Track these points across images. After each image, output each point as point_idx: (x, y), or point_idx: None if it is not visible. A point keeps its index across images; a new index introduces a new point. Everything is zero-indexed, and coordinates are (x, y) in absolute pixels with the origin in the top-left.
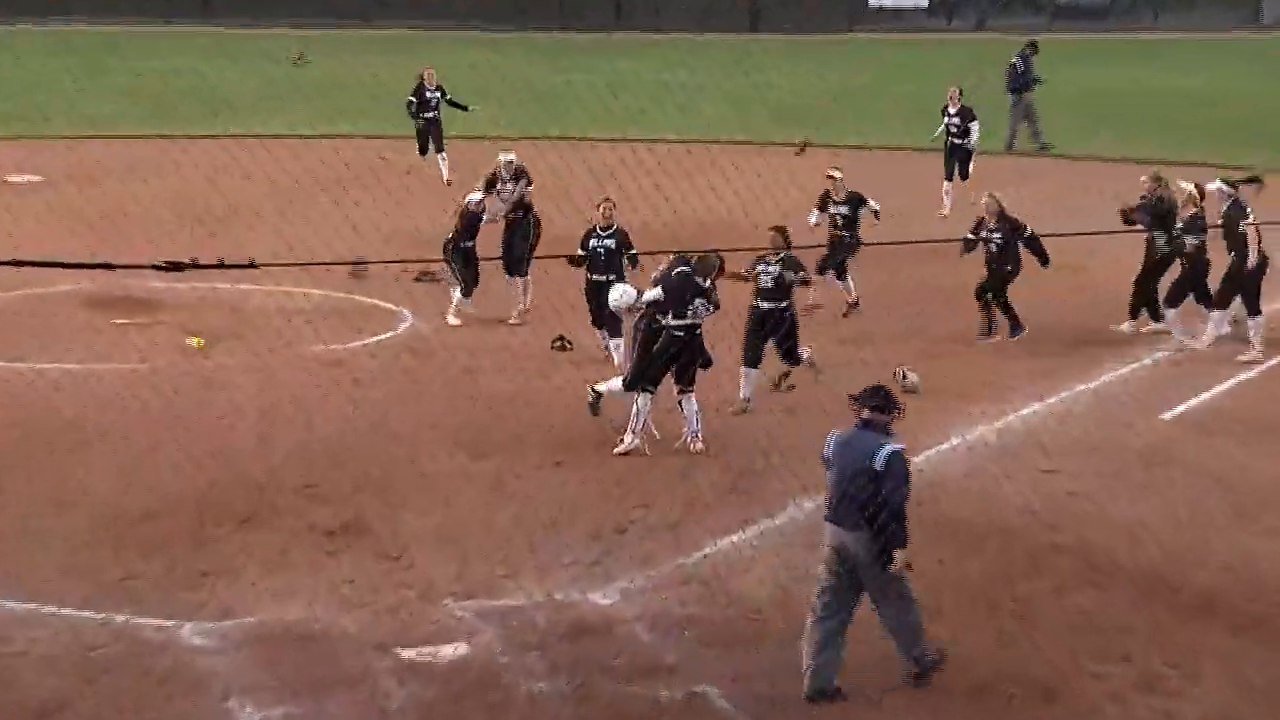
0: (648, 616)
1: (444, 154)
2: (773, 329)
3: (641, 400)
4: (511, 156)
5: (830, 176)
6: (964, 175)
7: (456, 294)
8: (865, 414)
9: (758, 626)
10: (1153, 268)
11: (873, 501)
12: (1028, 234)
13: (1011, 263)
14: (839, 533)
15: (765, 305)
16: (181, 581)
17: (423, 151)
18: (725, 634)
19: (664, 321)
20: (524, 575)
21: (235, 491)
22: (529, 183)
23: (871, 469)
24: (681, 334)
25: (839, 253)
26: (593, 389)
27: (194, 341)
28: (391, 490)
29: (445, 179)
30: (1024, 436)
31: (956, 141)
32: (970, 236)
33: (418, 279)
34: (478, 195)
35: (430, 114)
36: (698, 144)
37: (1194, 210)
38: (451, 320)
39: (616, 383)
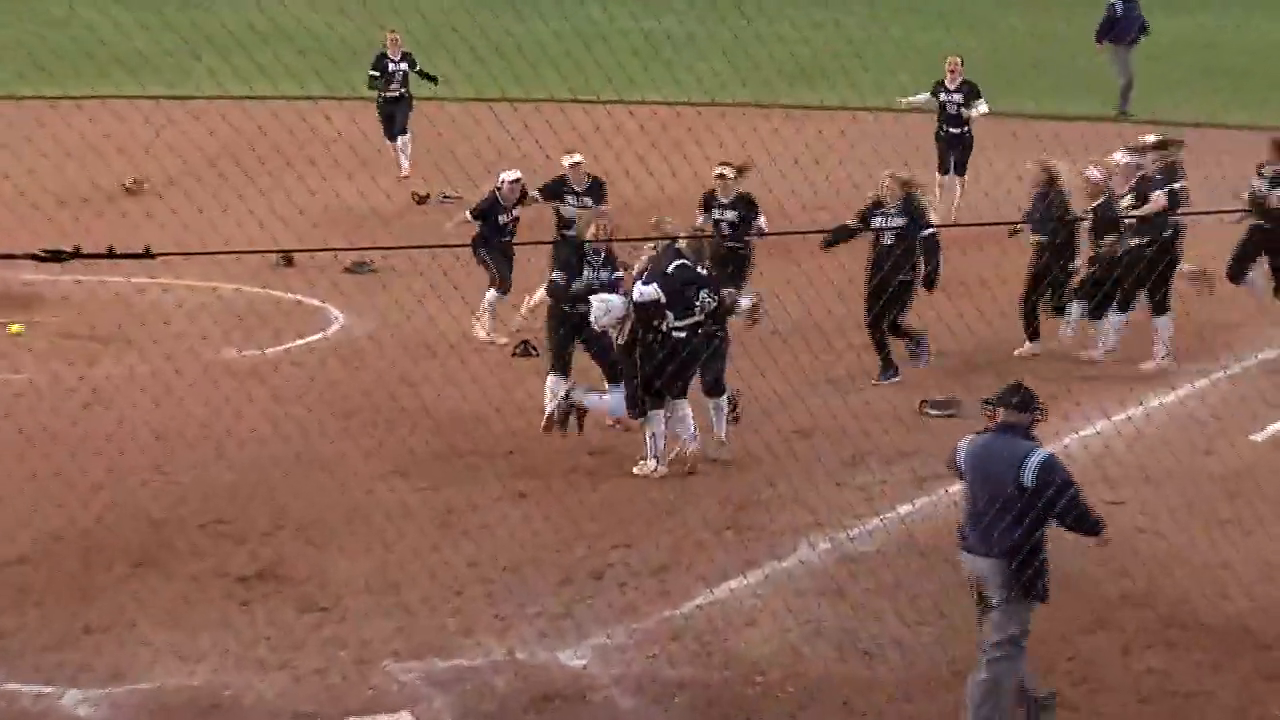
0: (629, 679)
1: (406, 139)
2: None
3: (655, 423)
4: (579, 158)
5: (720, 176)
6: (960, 170)
7: (489, 294)
8: (1002, 415)
9: (761, 692)
10: (1036, 277)
11: (1020, 523)
12: (927, 232)
13: (905, 265)
14: (974, 561)
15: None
16: (62, 639)
17: (390, 135)
18: (722, 701)
19: (666, 324)
20: (479, 630)
21: (127, 529)
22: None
23: (1019, 483)
24: (685, 335)
25: (730, 266)
26: (566, 395)
27: (12, 328)
28: (318, 527)
29: (403, 171)
30: (1083, 462)
31: (953, 131)
32: (850, 224)
33: (350, 269)
34: (514, 173)
35: (396, 91)
36: (688, 107)
37: (1098, 200)
38: (482, 333)
39: (607, 399)
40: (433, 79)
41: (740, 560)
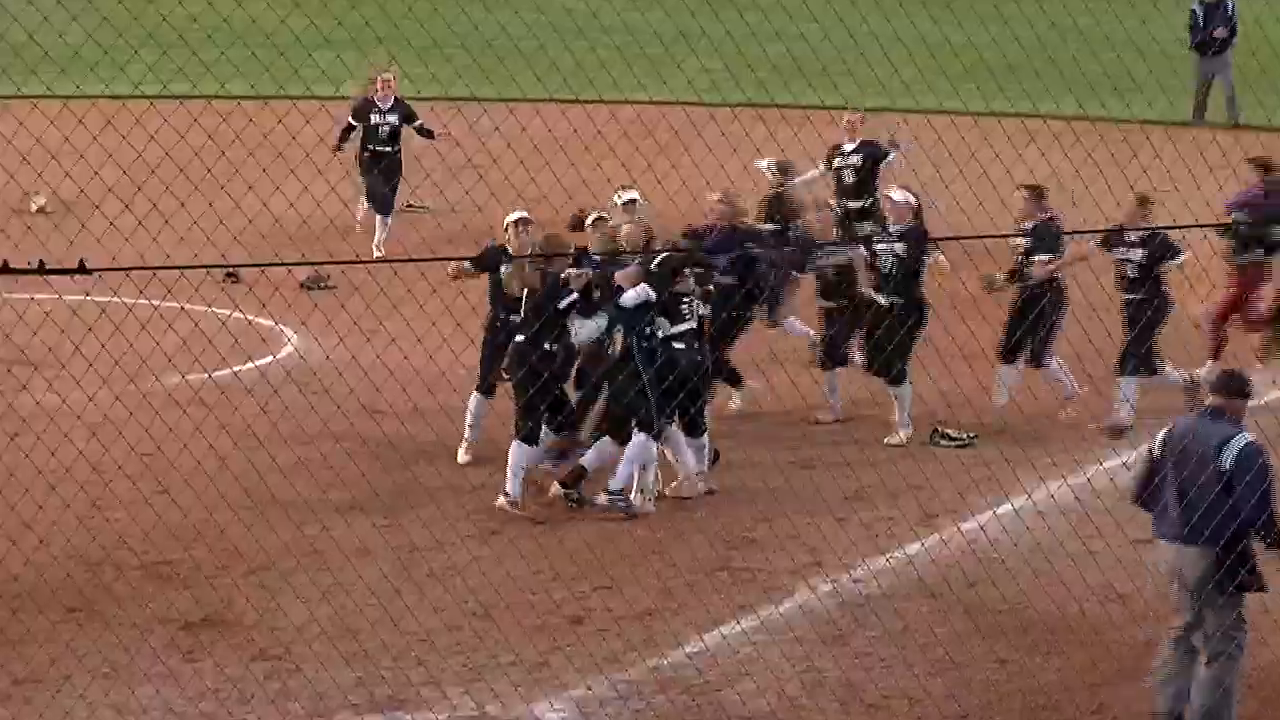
0: None
1: (389, 217)
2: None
3: (646, 451)
4: (634, 195)
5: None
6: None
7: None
8: (1211, 399)
9: None
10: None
11: (1218, 510)
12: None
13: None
14: (1172, 549)
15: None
16: None
17: (381, 208)
18: None
19: (662, 333)
20: (447, 681)
21: (60, 572)
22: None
23: (1217, 467)
24: (683, 346)
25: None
26: (572, 494)
27: None
28: (270, 569)
29: (375, 245)
30: (1110, 496)
31: (852, 205)
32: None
33: (305, 286)
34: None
35: (384, 147)
36: (675, 108)
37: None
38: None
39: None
40: (429, 134)
41: (733, 604)
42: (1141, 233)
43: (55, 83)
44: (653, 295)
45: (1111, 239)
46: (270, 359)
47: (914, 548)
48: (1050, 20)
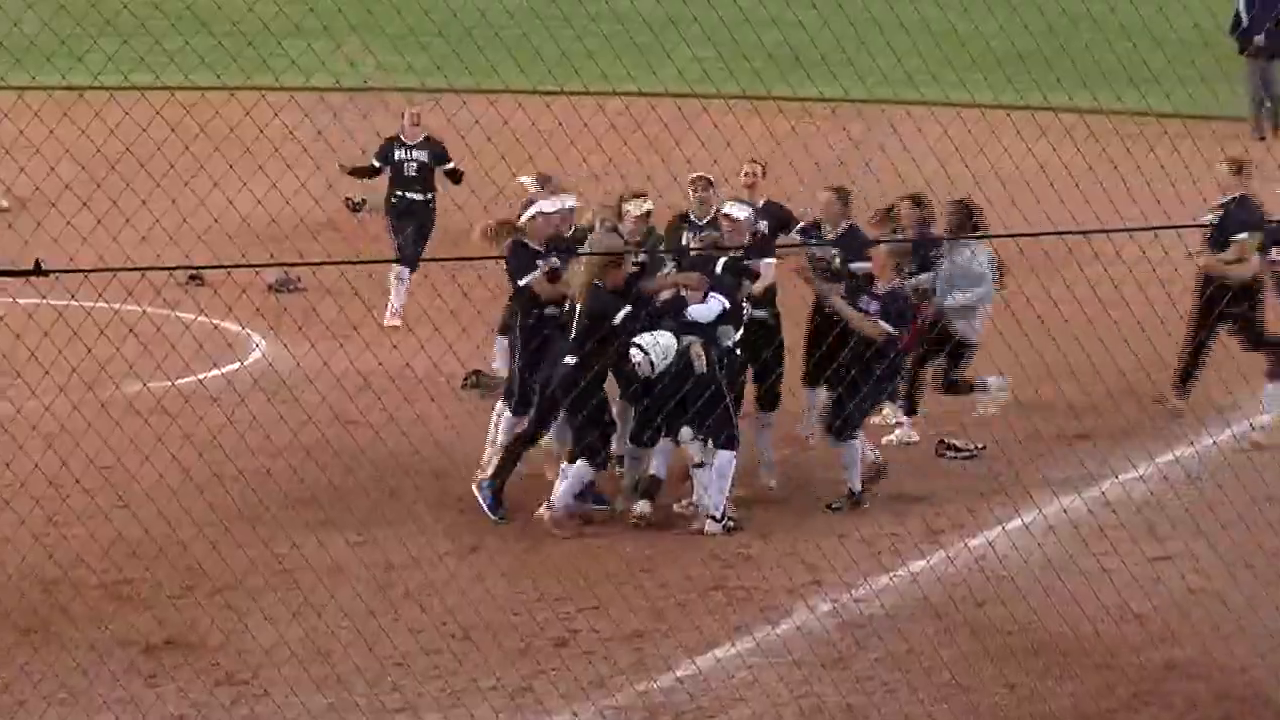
0: None
1: (407, 277)
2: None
3: (660, 457)
4: (648, 206)
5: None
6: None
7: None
8: None
9: None
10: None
11: None
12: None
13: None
14: None
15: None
16: None
17: (408, 263)
18: None
19: (729, 342)
20: (424, 707)
21: (15, 591)
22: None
23: None
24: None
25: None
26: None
27: None
28: (238, 589)
29: (390, 312)
30: (1126, 510)
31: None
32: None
33: (273, 288)
34: (560, 200)
35: (414, 193)
36: (666, 99)
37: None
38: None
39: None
40: (459, 178)
41: (728, 625)
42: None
43: (9, 73)
44: (728, 304)
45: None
46: (237, 365)
47: (919, 565)
48: (1061, 7)
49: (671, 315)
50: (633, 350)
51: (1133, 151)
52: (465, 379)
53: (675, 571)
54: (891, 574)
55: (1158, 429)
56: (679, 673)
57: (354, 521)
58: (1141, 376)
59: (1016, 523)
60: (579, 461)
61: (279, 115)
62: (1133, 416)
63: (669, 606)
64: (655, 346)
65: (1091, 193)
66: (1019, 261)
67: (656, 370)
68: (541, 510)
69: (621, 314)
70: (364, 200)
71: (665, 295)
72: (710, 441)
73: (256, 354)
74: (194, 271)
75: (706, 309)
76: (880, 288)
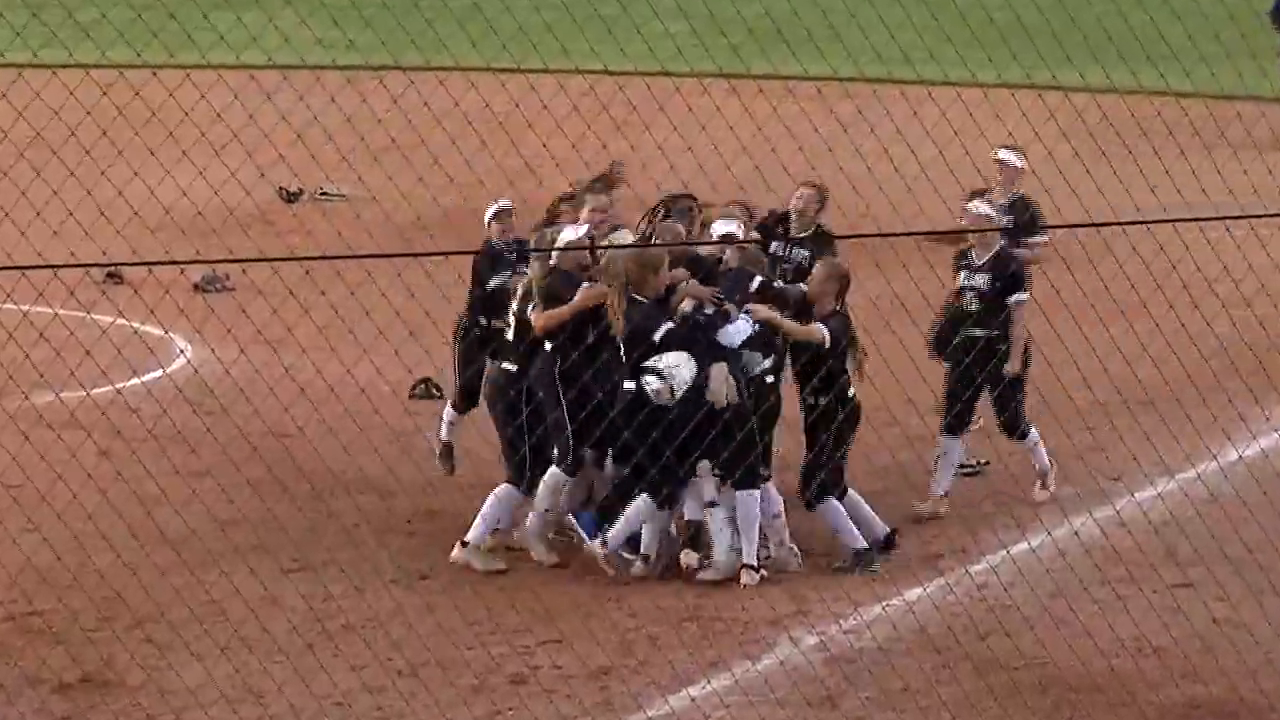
0: None
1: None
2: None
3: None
4: (623, 233)
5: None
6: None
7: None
8: None
9: None
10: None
11: None
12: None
13: None
14: None
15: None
16: None
17: (470, 400)
18: None
19: (759, 369)
20: None
21: None
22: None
23: None
24: (774, 381)
25: None
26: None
27: None
28: (159, 622)
29: (438, 441)
30: (1142, 533)
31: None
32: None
33: (200, 287)
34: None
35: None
36: (634, 78)
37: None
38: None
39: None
40: None
41: (704, 660)
42: None
43: None
44: (756, 327)
45: None
46: (159, 373)
47: (915, 593)
48: None
49: (697, 338)
50: (648, 378)
51: (1150, 135)
52: (413, 387)
53: (645, 601)
54: (885, 603)
55: (1177, 441)
56: (650, 712)
57: (289, 546)
58: (1159, 383)
59: (1023, 546)
60: (642, 498)
61: (206, 96)
62: (1150, 427)
63: (639, 639)
64: (676, 371)
65: (1105, 180)
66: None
67: (676, 399)
68: (639, 568)
69: (663, 329)
70: (300, 190)
71: (686, 307)
72: (727, 480)
73: (181, 360)
74: (112, 269)
75: (736, 331)
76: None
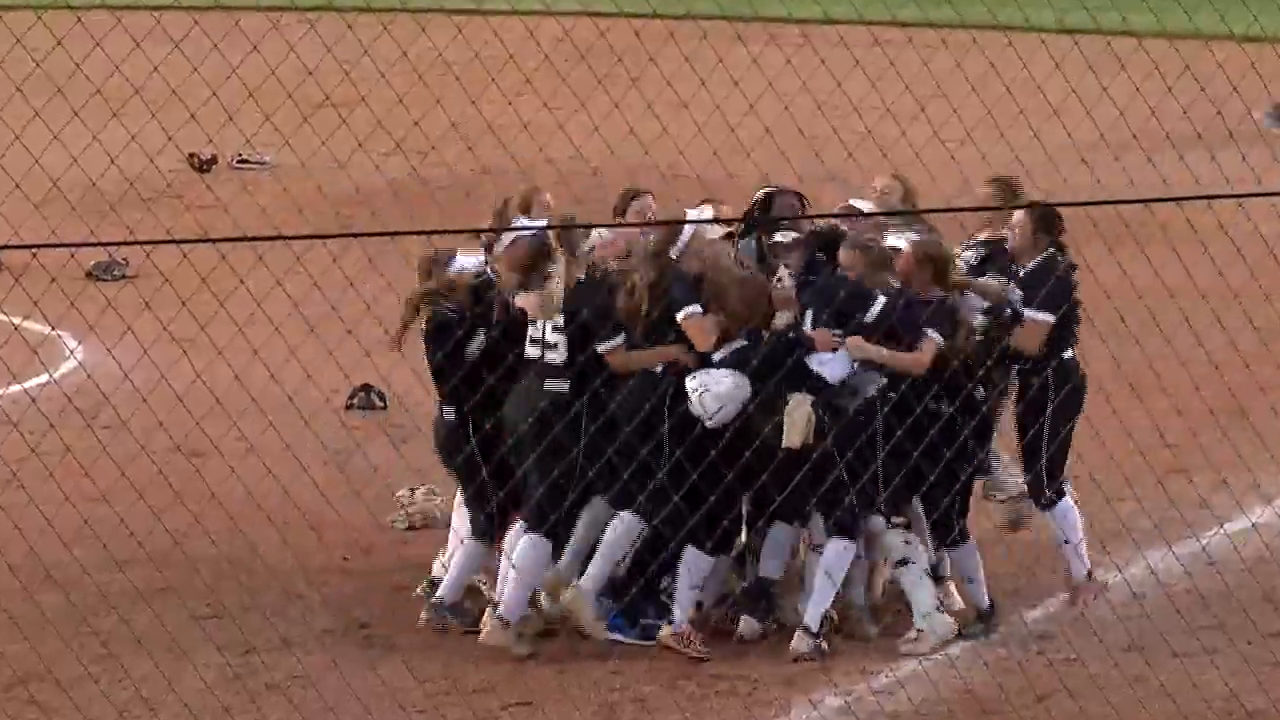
0: None
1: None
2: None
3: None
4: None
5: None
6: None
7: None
8: None
9: None
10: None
11: None
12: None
13: None
14: None
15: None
16: None
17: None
18: None
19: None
20: None
21: None
22: None
23: None
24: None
25: None
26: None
27: None
28: (45, 680)
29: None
30: (1234, 572)
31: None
32: None
33: (93, 275)
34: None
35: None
36: (619, 21)
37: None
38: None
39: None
40: None
41: None
42: None
43: None
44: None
45: None
46: (44, 379)
47: (957, 647)
48: None
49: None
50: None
51: (1208, 91)
52: (352, 396)
53: (634, 656)
54: (921, 659)
55: (1277, 461)
56: None
57: (201, 588)
58: (1252, 389)
59: None
60: (689, 550)
61: (100, 44)
62: (1243, 443)
63: (624, 702)
64: (717, 386)
65: (1156, 146)
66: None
67: (713, 418)
68: (664, 632)
69: (730, 349)
70: (214, 157)
71: (779, 323)
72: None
73: (71, 363)
74: None
75: (837, 362)
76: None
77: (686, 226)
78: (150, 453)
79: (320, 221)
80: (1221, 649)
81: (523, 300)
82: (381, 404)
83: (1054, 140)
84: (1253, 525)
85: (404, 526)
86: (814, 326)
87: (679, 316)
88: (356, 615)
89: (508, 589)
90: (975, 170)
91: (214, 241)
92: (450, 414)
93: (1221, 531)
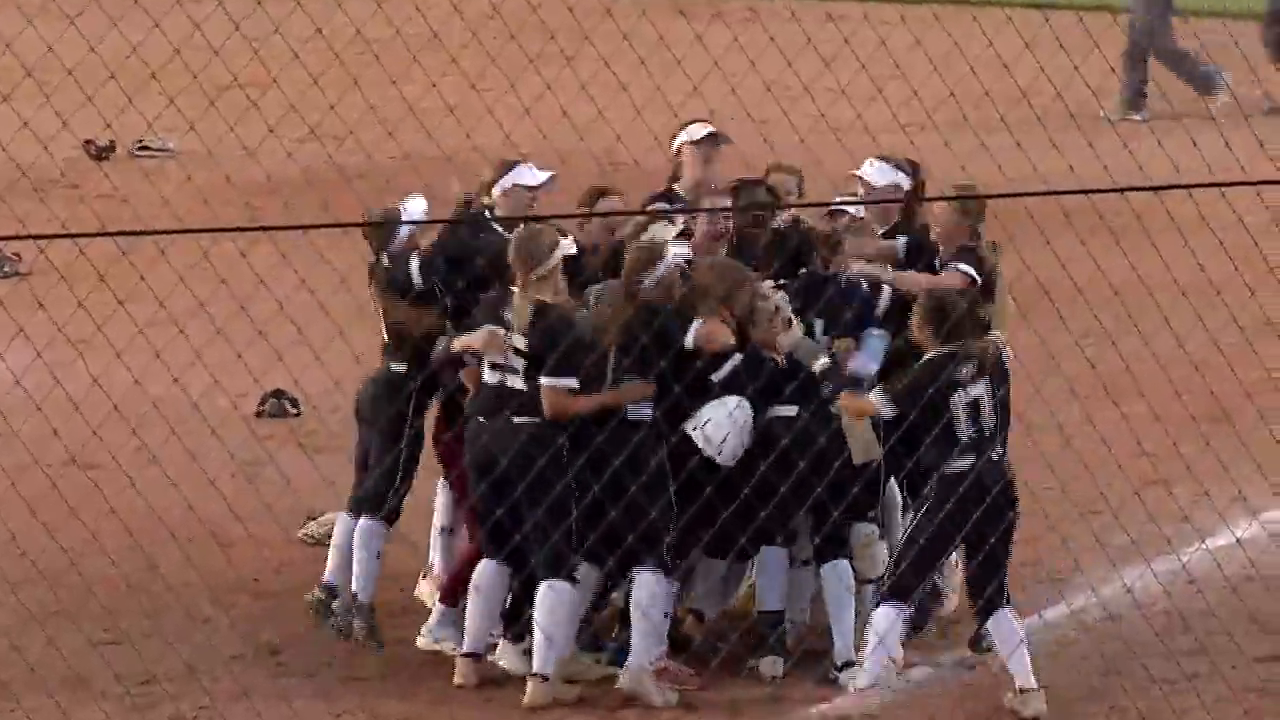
0: None
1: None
2: None
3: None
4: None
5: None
6: None
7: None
8: None
9: None
10: None
11: None
12: None
13: None
14: None
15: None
16: None
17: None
18: None
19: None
20: None
21: None
22: None
23: None
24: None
25: None
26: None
27: None
28: None
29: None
30: (1216, 591)
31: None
32: None
33: None
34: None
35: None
36: None
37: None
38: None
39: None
40: None
41: None
42: None
43: None
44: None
45: None
46: None
47: (919, 672)
48: None
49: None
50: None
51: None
52: (262, 402)
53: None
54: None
55: (1261, 472)
56: None
57: (99, 611)
58: (1237, 393)
59: (1060, 609)
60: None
61: None
62: (1227, 454)
63: None
64: (714, 414)
65: (1132, 131)
66: (1028, 229)
67: (723, 452)
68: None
69: (730, 365)
70: (113, 143)
71: (786, 342)
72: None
73: None
74: None
75: (873, 354)
76: None
77: (664, 259)
78: (43, 464)
79: (228, 213)
80: (1204, 674)
81: (466, 341)
82: (294, 410)
83: (1022, 123)
84: (1237, 540)
85: (315, 541)
86: (826, 334)
87: (688, 341)
88: (267, 640)
89: (469, 620)
90: (937, 158)
91: (113, 235)
92: (400, 369)
93: (1203, 547)
